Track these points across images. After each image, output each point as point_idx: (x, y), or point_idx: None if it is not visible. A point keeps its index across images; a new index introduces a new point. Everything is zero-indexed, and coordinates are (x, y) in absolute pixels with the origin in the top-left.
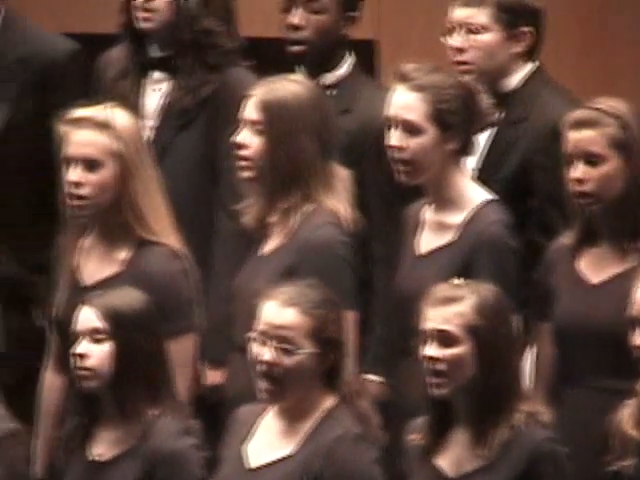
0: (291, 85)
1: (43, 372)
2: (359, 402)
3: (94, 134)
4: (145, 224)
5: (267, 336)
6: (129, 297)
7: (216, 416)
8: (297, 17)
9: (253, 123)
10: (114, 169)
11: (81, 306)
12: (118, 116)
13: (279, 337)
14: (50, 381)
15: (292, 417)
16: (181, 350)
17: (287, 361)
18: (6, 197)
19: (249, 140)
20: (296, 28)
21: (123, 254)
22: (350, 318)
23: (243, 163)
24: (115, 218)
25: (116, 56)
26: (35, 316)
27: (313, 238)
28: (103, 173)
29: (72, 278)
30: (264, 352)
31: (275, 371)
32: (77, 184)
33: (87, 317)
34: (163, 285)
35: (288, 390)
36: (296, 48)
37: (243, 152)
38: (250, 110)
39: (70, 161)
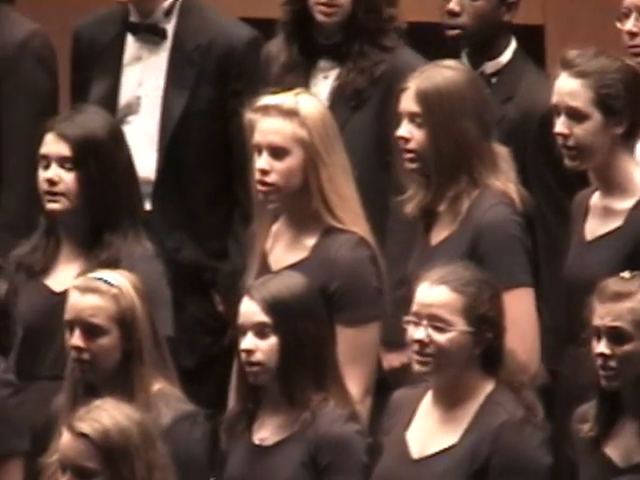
0: (445, 71)
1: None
2: (525, 392)
3: (280, 122)
4: (332, 211)
5: (420, 316)
6: (291, 284)
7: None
8: (454, 3)
9: (412, 115)
10: (301, 156)
11: (244, 298)
12: (304, 103)
13: (430, 315)
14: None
15: (452, 403)
16: (366, 338)
17: (439, 339)
18: (185, 184)
19: (411, 133)
20: (454, 14)
21: (310, 241)
22: (528, 294)
23: (408, 156)
24: (303, 205)
25: (277, 48)
26: (216, 301)
27: (485, 220)
28: (289, 161)
29: (263, 263)
30: (417, 332)
31: (428, 350)
32: (264, 171)
33: (251, 311)
34: (349, 272)
35: (442, 369)
36: (453, 32)
37: (407, 145)
38: (408, 102)
39: (258, 149)
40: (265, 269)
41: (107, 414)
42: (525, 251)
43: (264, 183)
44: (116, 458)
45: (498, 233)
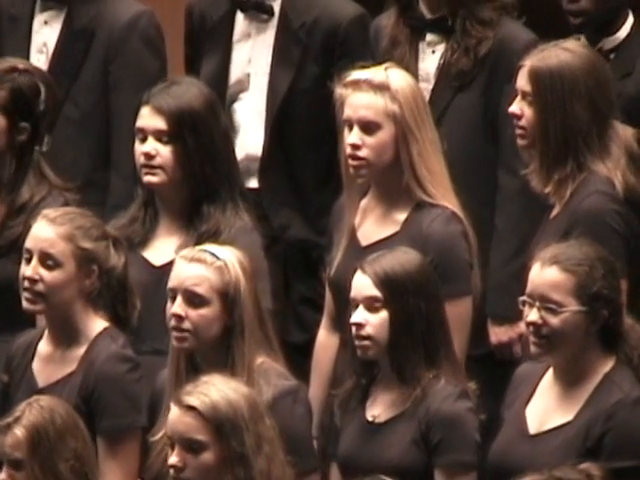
0: (562, 53)
1: (319, 331)
2: None
3: (372, 96)
4: (423, 185)
5: (533, 297)
6: (404, 261)
7: (503, 373)
8: None
9: (525, 94)
10: (392, 131)
11: (357, 272)
12: (395, 77)
13: (542, 297)
14: (324, 340)
15: (571, 381)
16: (459, 313)
17: (553, 320)
18: (293, 162)
19: (522, 110)
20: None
21: (401, 215)
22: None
23: (519, 132)
24: (394, 179)
25: (387, 22)
26: (324, 278)
27: (581, 207)
28: (381, 135)
29: (351, 239)
30: (531, 313)
31: (543, 331)
32: (356, 146)
33: (362, 284)
34: (441, 246)
35: (559, 350)
36: (576, 21)
37: (518, 122)
38: (522, 80)
39: (349, 123)
40: (354, 244)
41: (215, 388)
42: (620, 242)
43: (355, 158)
44: (226, 431)
45: (592, 222)
